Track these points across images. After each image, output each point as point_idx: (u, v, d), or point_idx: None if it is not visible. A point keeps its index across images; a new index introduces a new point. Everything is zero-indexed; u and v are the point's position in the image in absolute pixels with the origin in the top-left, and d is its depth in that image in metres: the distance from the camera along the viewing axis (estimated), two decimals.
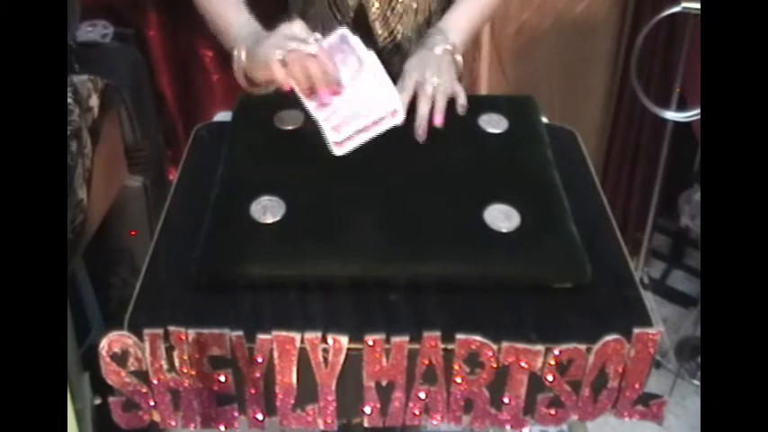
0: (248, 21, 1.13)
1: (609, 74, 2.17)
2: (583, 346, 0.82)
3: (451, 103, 1.16)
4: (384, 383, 0.84)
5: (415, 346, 0.82)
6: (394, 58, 1.30)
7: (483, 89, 2.10)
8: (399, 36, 1.29)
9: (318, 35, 1.05)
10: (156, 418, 0.87)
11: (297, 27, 1.04)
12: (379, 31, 1.28)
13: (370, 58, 1.06)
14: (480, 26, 1.25)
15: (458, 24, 1.19)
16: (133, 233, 1.79)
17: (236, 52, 1.08)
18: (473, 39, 1.22)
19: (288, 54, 1.00)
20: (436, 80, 1.09)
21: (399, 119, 1.04)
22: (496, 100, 1.30)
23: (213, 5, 1.17)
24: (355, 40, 1.08)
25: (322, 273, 0.91)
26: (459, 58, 1.16)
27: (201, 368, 0.84)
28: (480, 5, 1.23)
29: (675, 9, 1.67)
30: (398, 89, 1.08)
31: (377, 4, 1.26)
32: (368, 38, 1.27)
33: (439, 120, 1.09)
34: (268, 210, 0.96)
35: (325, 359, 0.83)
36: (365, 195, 1.00)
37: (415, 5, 1.27)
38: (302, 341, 0.82)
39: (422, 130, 1.07)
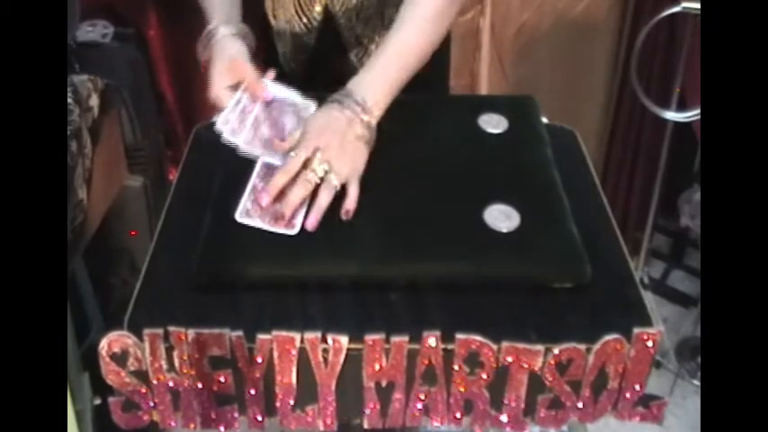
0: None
1: (609, 74, 2.17)
2: (583, 346, 0.82)
3: (451, 102, 1.16)
4: (384, 384, 0.84)
5: (415, 346, 0.82)
6: (363, 61, 1.26)
7: (483, 89, 2.10)
8: (366, 41, 1.25)
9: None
10: (156, 418, 0.87)
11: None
12: (346, 36, 1.24)
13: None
14: (404, 80, 1.05)
15: (379, 80, 1.02)
16: (133, 233, 1.79)
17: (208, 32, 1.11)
18: (394, 96, 1.03)
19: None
20: (325, 168, 0.95)
21: None
22: (496, 100, 1.30)
23: None
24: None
25: (322, 273, 0.91)
26: (373, 123, 1.00)
27: (201, 368, 0.84)
28: (409, 52, 1.05)
29: (675, 9, 1.67)
30: (282, 165, 0.97)
31: (343, 9, 1.21)
32: (336, 43, 1.25)
33: (311, 222, 0.93)
34: None
35: (325, 359, 0.83)
36: (365, 195, 1.00)
37: (382, 11, 1.22)
38: (302, 341, 0.82)
39: (283, 219, 0.94)
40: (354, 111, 0.99)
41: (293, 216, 0.95)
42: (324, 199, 0.94)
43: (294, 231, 0.93)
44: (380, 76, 1.03)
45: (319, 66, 1.27)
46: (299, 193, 0.94)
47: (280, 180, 0.95)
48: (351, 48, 1.26)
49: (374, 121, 1.01)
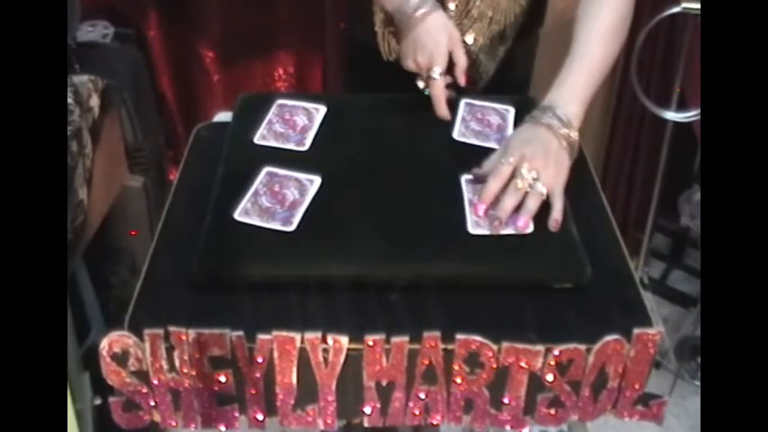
0: None
1: (609, 74, 2.17)
2: (583, 347, 0.82)
3: (451, 101, 1.16)
4: (384, 383, 0.84)
5: (415, 346, 0.82)
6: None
7: None
8: (471, 41, 1.27)
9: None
10: (157, 418, 0.87)
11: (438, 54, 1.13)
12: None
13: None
14: (598, 87, 1.08)
15: (572, 94, 1.05)
16: (133, 233, 1.79)
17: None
18: (590, 104, 1.06)
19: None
20: (533, 175, 0.96)
21: None
22: (496, 100, 1.30)
23: None
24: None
25: (322, 273, 0.91)
26: (574, 136, 1.02)
27: (202, 368, 0.84)
28: (596, 65, 1.09)
29: (675, 9, 1.67)
30: (493, 171, 0.98)
31: (453, 6, 1.24)
32: None
33: (522, 222, 0.94)
34: None
35: (326, 359, 0.83)
36: (365, 196, 1.00)
37: (490, 14, 1.25)
38: (302, 341, 0.82)
39: (497, 226, 0.94)
40: (556, 125, 1.01)
41: (293, 216, 0.95)
42: (532, 204, 0.95)
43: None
44: (575, 91, 1.05)
45: None
46: (510, 201, 0.95)
47: (493, 187, 0.96)
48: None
49: (575, 135, 1.02)
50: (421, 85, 1.17)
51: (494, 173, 0.97)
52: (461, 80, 1.16)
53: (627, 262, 0.97)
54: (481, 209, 0.96)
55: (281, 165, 1.03)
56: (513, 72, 1.35)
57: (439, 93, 1.14)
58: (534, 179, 0.96)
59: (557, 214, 0.95)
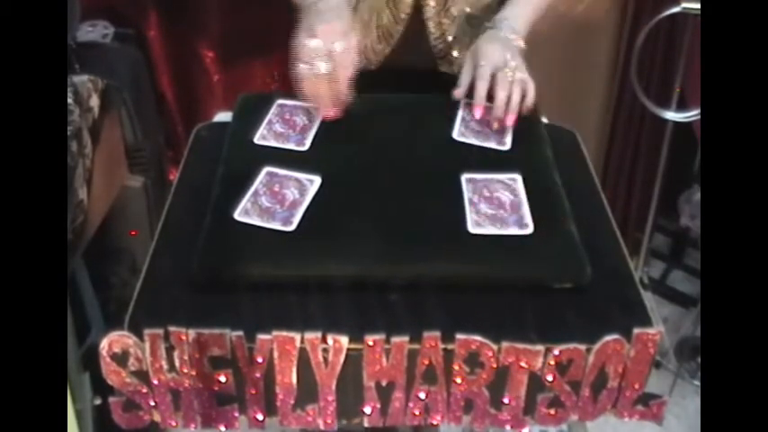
0: None
1: (609, 74, 2.17)
2: (583, 347, 0.82)
3: (450, 102, 1.16)
4: (384, 383, 0.84)
5: (415, 346, 0.82)
6: (443, 60, 1.30)
7: None
8: (450, 38, 1.28)
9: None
10: (157, 418, 0.87)
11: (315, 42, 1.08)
12: (432, 30, 1.27)
13: None
14: (542, 14, 1.21)
15: (521, 13, 1.17)
16: (133, 233, 1.79)
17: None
18: (534, 28, 1.19)
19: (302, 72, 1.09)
20: (514, 64, 1.06)
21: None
22: None
23: None
24: None
25: (322, 273, 0.91)
26: (522, 44, 1.13)
27: (202, 368, 0.84)
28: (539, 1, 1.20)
29: (675, 9, 1.67)
30: (475, 75, 1.07)
31: (432, 4, 1.25)
32: (420, 37, 1.28)
33: (511, 120, 1.06)
34: None
35: (326, 359, 0.83)
36: (366, 196, 1.00)
37: (468, 10, 1.26)
38: (302, 341, 0.82)
39: (498, 120, 1.05)
40: (512, 36, 1.13)
41: (293, 216, 0.95)
42: (517, 94, 1.06)
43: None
44: (524, 11, 1.18)
45: (399, 58, 1.30)
46: (503, 92, 1.05)
47: (482, 88, 1.07)
48: (435, 44, 1.29)
49: (522, 44, 1.14)
50: (305, 66, 1.09)
51: (477, 77, 1.07)
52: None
53: (627, 262, 0.97)
54: (478, 111, 1.07)
55: (281, 165, 1.03)
56: None
57: (325, 83, 1.07)
58: (514, 70, 1.06)
59: (531, 98, 1.07)
